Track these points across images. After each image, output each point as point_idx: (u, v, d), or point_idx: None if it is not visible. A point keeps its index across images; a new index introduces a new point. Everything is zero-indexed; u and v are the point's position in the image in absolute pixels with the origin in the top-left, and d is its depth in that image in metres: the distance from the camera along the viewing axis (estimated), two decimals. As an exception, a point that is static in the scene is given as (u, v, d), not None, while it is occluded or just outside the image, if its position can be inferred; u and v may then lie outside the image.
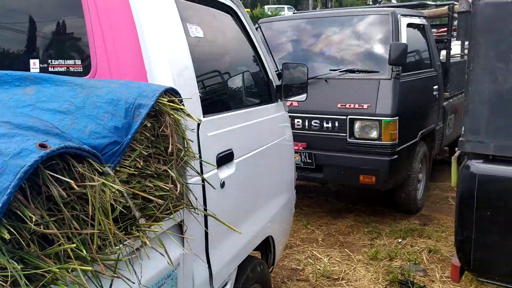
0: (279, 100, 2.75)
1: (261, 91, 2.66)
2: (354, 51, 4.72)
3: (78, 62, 1.75)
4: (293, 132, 3.05)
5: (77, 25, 1.75)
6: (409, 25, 4.75)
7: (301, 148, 4.57)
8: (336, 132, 4.42)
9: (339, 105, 4.40)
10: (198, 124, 1.79)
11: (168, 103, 1.47)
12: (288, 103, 3.31)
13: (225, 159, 2.02)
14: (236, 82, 2.41)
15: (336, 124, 4.41)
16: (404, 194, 4.83)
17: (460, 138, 2.37)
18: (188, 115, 1.54)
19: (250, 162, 2.27)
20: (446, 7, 5.66)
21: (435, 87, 5.18)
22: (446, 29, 5.69)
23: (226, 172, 2.03)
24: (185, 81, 1.78)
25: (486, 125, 2.27)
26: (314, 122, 4.50)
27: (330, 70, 4.58)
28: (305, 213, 5.12)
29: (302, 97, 2.74)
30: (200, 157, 1.78)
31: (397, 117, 4.20)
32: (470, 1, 2.27)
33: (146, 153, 1.42)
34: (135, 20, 1.70)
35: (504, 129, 2.23)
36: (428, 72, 5.04)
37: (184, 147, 1.53)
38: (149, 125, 1.42)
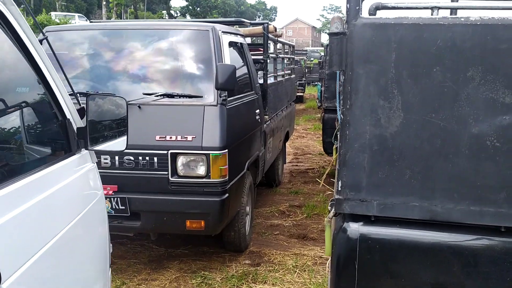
0: (82, 149, 1.83)
1: (53, 139, 1.69)
2: (170, 72, 3.97)
3: None
4: (99, 172, 2.11)
5: None
6: (230, 43, 4.25)
7: (111, 192, 3.59)
8: (155, 170, 3.60)
9: (157, 137, 3.59)
10: None
11: None
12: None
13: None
14: (10, 133, 1.41)
15: (155, 160, 3.58)
16: (233, 232, 4.28)
17: (336, 196, 1.84)
18: None
19: (34, 273, 1.31)
20: (261, 26, 5.38)
21: (257, 111, 4.80)
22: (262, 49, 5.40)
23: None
24: None
25: (368, 179, 1.78)
26: (127, 159, 3.59)
27: (144, 94, 3.75)
28: (119, 268, 4.13)
29: (120, 142, 1.87)
30: None
31: (226, 150, 3.61)
32: (344, 20, 1.76)
33: None
34: None
35: (390, 183, 1.77)
36: (250, 96, 4.62)
37: None
38: None
